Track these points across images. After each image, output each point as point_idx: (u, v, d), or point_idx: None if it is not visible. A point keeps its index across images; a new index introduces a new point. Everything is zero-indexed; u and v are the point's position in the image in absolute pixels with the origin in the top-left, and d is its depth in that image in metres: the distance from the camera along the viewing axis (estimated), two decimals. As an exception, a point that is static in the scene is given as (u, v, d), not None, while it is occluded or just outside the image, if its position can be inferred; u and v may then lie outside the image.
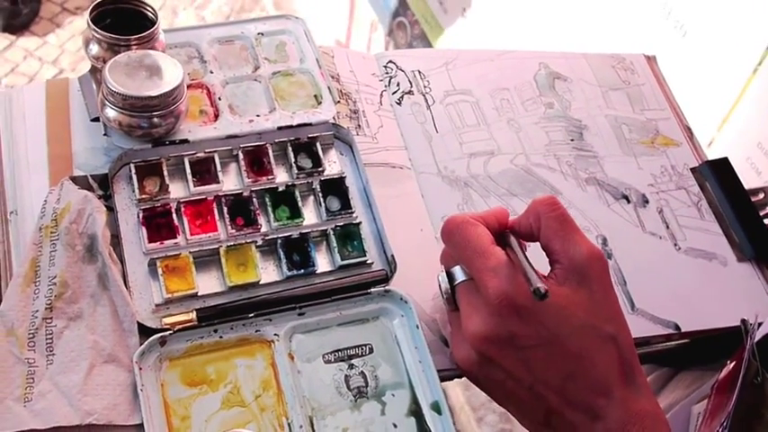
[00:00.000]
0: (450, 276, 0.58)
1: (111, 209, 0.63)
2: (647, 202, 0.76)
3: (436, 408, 0.59)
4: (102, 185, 0.64)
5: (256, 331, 0.60)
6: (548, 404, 0.54)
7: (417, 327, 0.61)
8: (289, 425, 0.57)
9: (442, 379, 0.60)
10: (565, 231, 0.56)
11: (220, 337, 0.59)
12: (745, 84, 1.01)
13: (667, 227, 0.75)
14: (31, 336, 0.57)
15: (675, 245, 0.74)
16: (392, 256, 0.65)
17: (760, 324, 0.69)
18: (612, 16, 1.22)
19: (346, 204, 0.67)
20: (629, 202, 0.76)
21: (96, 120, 0.66)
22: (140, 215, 0.63)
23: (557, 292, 0.54)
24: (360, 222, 0.66)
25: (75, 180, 0.63)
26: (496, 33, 1.54)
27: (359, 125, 0.72)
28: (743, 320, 0.68)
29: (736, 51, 1.01)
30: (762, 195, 0.81)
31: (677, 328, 0.69)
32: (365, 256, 0.64)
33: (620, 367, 0.54)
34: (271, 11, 2.73)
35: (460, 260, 0.57)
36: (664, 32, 1.12)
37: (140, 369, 0.57)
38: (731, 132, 1.04)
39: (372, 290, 0.62)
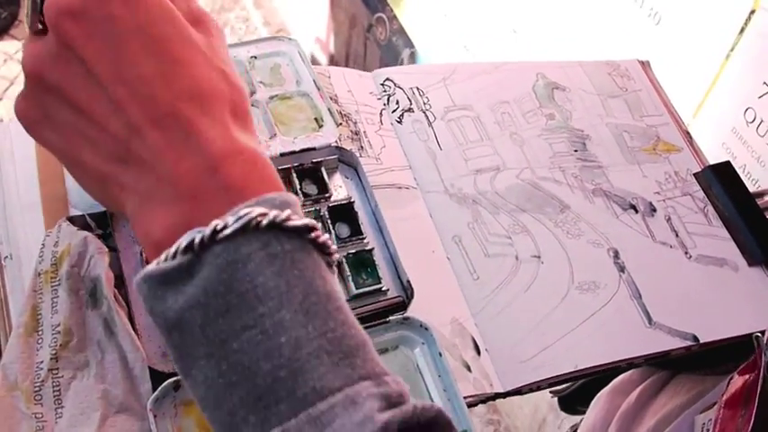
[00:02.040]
0: None
1: (112, 248, 0.60)
2: (654, 210, 0.75)
3: (466, 438, 0.56)
4: (101, 224, 0.61)
5: (273, 369, 0.57)
6: (126, 118, 0.40)
7: (440, 354, 0.59)
8: (315, 467, 0.54)
9: (468, 406, 0.58)
10: None
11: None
12: (719, 69, 1.01)
13: (677, 235, 0.74)
14: (36, 389, 0.54)
15: (686, 253, 0.73)
16: (408, 281, 0.63)
17: None
18: (586, 4, 1.21)
19: (357, 230, 0.64)
20: (636, 211, 0.74)
21: (90, 155, 0.63)
22: (143, 254, 0.60)
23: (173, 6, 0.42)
24: (372, 248, 0.63)
25: (72, 220, 0.60)
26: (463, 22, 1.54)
27: (361, 146, 0.70)
28: (755, 337, 0.67)
29: (710, 37, 1.01)
30: (767, 198, 0.80)
31: (695, 339, 0.68)
32: (380, 283, 0.62)
33: (227, 100, 0.42)
34: (251, 10, 2.69)
35: None
36: (637, 20, 1.11)
37: (155, 416, 0.54)
38: (706, 118, 1.04)
39: (390, 318, 0.60)
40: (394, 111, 0.74)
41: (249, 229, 0.37)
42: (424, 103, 0.75)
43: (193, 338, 0.38)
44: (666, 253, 0.73)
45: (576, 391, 0.94)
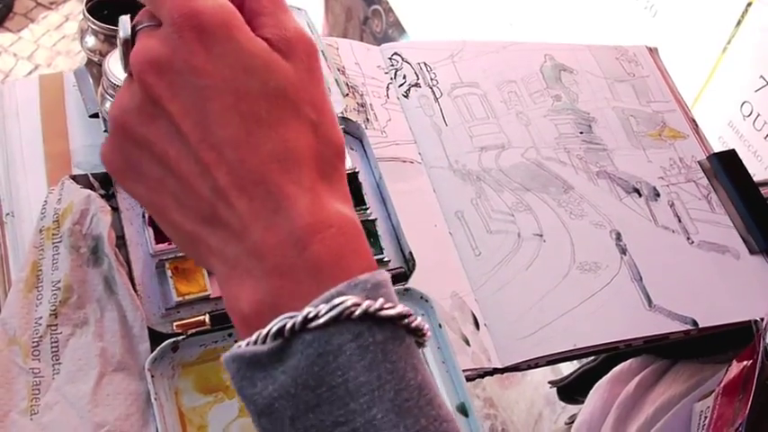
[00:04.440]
0: (137, 25, 0.43)
1: (114, 209, 0.60)
2: (657, 195, 0.75)
3: (463, 410, 0.56)
4: (104, 184, 0.61)
5: (272, 334, 0.57)
6: (214, 182, 0.39)
7: (440, 326, 0.59)
8: None
9: (467, 379, 0.58)
10: (275, 6, 0.42)
11: (235, 340, 0.57)
12: (716, 63, 1.01)
13: (679, 220, 0.74)
14: (35, 344, 0.54)
15: (688, 239, 0.73)
16: (410, 253, 0.62)
17: None
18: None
19: (360, 201, 0.64)
20: (640, 195, 0.74)
21: (95, 116, 0.63)
22: (146, 215, 0.60)
23: (259, 45, 0.40)
24: (375, 219, 0.63)
25: (75, 179, 0.60)
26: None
27: (367, 119, 0.70)
28: (754, 321, 0.67)
29: (706, 30, 1.01)
30: (771, 187, 0.80)
31: (695, 323, 0.67)
32: (382, 254, 0.62)
33: (315, 158, 0.40)
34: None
35: None
36: (634, 13, 1.11)
37: (153, 377, 0.54)
38: (703, 112, 1.04)
39: (391, 289, 0.60)
40: (401, 85, 0.74)
41: (341, 319, 0.36)
42: (431, 79, 0.75)
43: (283, 428, 0.37)
44: (668, 237, 0.72)
45: (575, 380, 0.93)
